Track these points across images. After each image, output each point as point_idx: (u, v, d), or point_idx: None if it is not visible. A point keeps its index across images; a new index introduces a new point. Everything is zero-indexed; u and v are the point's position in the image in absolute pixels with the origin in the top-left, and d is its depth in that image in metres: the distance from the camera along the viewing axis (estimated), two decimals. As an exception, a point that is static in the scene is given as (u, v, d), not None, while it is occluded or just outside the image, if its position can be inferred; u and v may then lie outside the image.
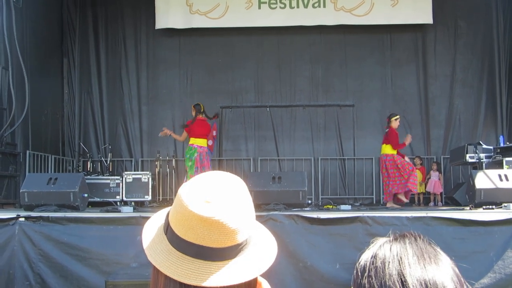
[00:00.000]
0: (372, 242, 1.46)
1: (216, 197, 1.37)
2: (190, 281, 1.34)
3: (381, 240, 1.45)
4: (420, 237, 1.42)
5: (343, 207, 9.30)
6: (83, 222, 7.41)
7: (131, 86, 14.62)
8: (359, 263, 1.42)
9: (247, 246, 1.41)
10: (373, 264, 1.37)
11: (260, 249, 1.46)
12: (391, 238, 1.44)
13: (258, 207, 8.29)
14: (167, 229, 1.42)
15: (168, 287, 1.39)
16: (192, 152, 10.76)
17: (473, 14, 14.46)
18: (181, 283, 1.36)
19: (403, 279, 1.29)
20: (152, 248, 1.43)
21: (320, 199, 13.34)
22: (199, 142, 10.81)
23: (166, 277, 1.38)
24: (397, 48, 14.60)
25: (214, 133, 13.39)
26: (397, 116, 11.47)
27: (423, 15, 13.97)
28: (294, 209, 8.21)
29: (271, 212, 7.45)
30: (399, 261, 1.33)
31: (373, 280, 1.33)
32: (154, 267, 1.41)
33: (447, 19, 14.44)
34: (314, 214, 7.40)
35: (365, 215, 7.34)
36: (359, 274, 1.39)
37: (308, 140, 14.38)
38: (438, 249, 1.41)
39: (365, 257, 1.41)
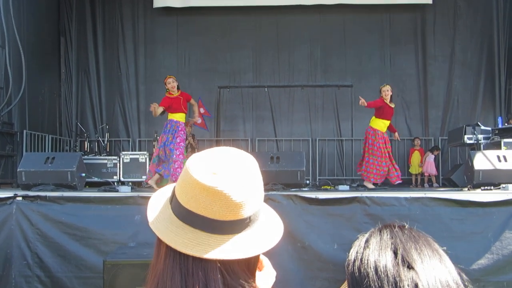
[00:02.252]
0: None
1: (224, 169, 1.36)
2: (187, 250, 1.33)
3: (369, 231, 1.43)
4: (405, 227, 1.41)
5: (341, 187, 9.30)
6: (81, 202, 7.41)
7: (129, 66, 14.58)
8: (349, 256, 1.40)
9: (252, 223, 1.39)
10: (363, 253, 1.35)
11: (265, 228, 1.43)
12: (380, 227, 1.42)
13: (256, 187, 8.25)
14: (172, 198, 1.42)
15: (168, 256, 1.37)
16: None
17: (474, -7, 14.38)
18: (181, 253, 1.34)
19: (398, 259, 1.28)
20: (155, 216, 1.42)
21: (317, 180, 13.35)
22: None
23: (167, 246, 1.36)
24: (396, 28, 14.55)
25: (203, 110, 13.35)
26: (384, 87, 10.66)
27: (423, -5, 13.90)
28: (293, 189, 8.21)
29: (270, 192, 7.46)
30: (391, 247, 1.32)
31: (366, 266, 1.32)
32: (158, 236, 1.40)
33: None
34: (313, 194, 7.40)
35: (363, 195, 7.35)
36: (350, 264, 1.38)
37: (306, 120, 14.38)
38: (430, 239, 1.39)
39: (354, 250, 1.40)
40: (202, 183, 1.33)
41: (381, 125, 10.61)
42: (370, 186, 10.53)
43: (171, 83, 9.94)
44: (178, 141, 9.71)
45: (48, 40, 13.84)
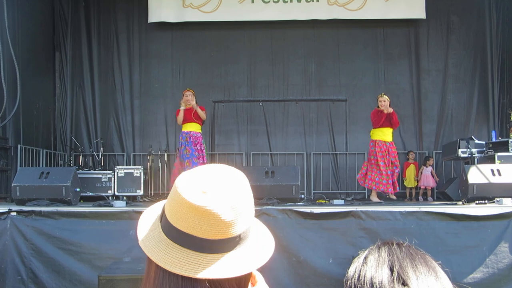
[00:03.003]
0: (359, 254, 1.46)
1: (213, 188, 1.35)
2: (176, 269, 1.32)
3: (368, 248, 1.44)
4: (404, 244, 1.42)
5: (336, 201, 9.31)
6: (76, 217, 7.40)
7: (124, 80, 14.56)
8: (348, 273, 1.41)
9: (242, 241, 1.39)
10: (361, 271, 1.36)
11: (256, 245, 1.43)
12: (379, 244, 1.43)
13: (251, 201, 8.26)
14: (162, 216, 1.41)
15: (157, 276, 1.37)
16: None
17: (466, 9, 14.47)
18: (170, 272, 1.34)
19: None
20: (145, 234, 1.42)
21: (312, 194, 13.33)
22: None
23: (157, 265, 1.36)
24: (390, 43, 14.60)
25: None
26: (381, 97, 10.93)
27: (416, 10, 13.97)
28: (287, 204, 8.22)
29: (264, 207, 7.46)
30: (389, 264, 1.33)
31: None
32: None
33: (440, 14, 14.45)
34: (308, 208, 7.41)
35: (358, 209, 7.36)
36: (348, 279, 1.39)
37: (301, 134, 14.37)
38: (428, 256, 1.41)
39: (353, 268, 1.41)
40: (191, 202, 1.33)
41: (379, 134, 10.83)
42: (375, 199, 10.69)
43: (188, 96, 10.60)
44: (196, 154, 10.34)
45: (43, 55, 13.85)
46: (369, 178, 10.87)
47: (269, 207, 7.53)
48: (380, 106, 10.82)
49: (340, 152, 14.31)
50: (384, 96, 10.89)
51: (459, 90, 14.41)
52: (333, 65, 14.59)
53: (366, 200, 12.04)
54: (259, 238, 1.47)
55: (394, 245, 1.40)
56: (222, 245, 1.35)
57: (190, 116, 10.54)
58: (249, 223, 1.41)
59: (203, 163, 10.25)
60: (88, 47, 14.63)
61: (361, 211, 7.32)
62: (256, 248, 1.43)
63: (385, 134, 10.82)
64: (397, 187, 11.06)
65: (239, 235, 1.37)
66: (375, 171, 10.79)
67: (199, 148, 10.54)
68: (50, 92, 14.22)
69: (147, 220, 1.47)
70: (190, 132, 10.55)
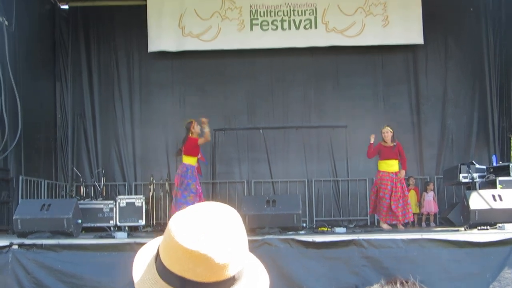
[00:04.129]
0: None
1: (206, 230, 1.35)
2: None
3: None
4: (408, 282, 1.43)
5: (338, 229, 9.27)
6: (77, 249, 7.40)
7: (124, 110, 14.60)
8: None
9: (237, 282, 1.39)
10: None
11: (251, 285, 1.43)
12: (382, 283, 1.44)
13: (252, 231, 8.28)
14: (157, 258, 1.42)
15: None
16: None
17: (463, 34, 14.56)
18: None
19: None
20: (140, 276, 1.43)
21: (314, 221, 13.33)
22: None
23: None
24: (389, 69, 14.66)
25: (199, 155, 13.45)
26: (384, 128, 11.39)
27: (414, 36, 14.03)
28: (289, 233, 8.22)
29: (266, 236, 7.46)
30: None
31: None
32: None
33: (437, 39, 14.54)
34: (309, 237, 7.41)
35: (360, 238, 7.35)
36: None
37: (302, 161, 14.36)
38: None
39: None
40: (184, 246, 1.33)
41: (384, 166, 11.17)
42: (385, 226, 10.83)
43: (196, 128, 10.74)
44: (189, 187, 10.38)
45: (43, 85, 13.92)
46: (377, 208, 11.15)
47: (271, 236, 7.52)
48: (383, 137, 11.05)
49: (341, 179, 14.30)
50: (387, 127, 11.13)
51: (458, 114, 14.45)
52: (332, 92, 14.65)
53: (368, 227, 12.05)
54: (254, 276, 1.46)
55: (398, 284, 1.41)
56: (217, 287, 1.35)
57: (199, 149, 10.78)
58: (243, 263, 1.41)
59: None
60: (89, 76, 14.70)
61: (363, 239, 7.31)
62: (251, 286, 1.43)
63: (390, 166, 11.10)
64: (403, 218, 11.11)
65: (234, 276, 1.37)
66: (382, 203, 11.06)
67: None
68: (51, 122, 14.27)
69: (142, 260, 1.48)
70: (194, 165, 10.65)
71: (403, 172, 11.18)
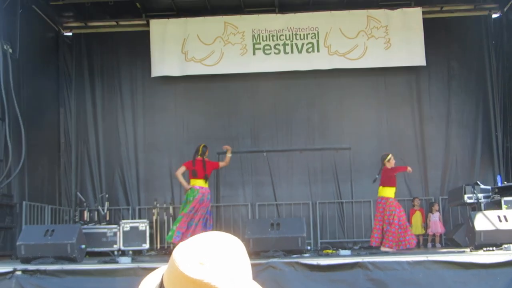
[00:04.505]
0: None
1: (210, 259, 1.35)
2: None
3: None
4: None
5: (342, 252, 9.25)
6: (81, 275, 7.37)
7: (128, 134, 14.62)
8: None
9: None
10: None
11: None
12: None
13: (257, 254, 8.26)
14: (161, 287, 1.42)
15: None
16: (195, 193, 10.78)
17: (466, 54, 14.62)
18: None
19: None
20: None
21: (319, 243, 13.26)
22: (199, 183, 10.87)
23: None
24: (392, 90, 14.67)
25: None
26: (389, 156, 11.58)
27: (416, 57, 14.06)
28: (294, 256, 8.19)
29: (271, 260, 7.42)
30: None
31: None
32: None
33: (440, 61, 14.57)
34: (314, 260, 7.37)
35: (365, 260, 7.31)
36: None
37: (306, 184, 14.34)
38: None
39: None
40: (189, 276, 1.33)
41: (387, 191, 11.55)
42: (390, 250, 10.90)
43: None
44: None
45: (47, 111, 13.98)
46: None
47: (275, 260, 7.49)
48: (391, 167, 11.62)
49: (346, 201, 14.25)
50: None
51: (462, 135, 14.44)
52: (336, 114, 14.66)
53: (373, 248, 11.98)
54: None
55: None
56: None
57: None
58: None
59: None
60: (92, 101, 14.75)
61: (368, 262, 7.28)
62: None
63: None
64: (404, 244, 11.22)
65: None
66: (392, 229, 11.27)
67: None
68: (55, 148, 14.31)
69: None
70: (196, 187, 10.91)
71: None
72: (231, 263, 1.37)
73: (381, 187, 11.45)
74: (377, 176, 11.65)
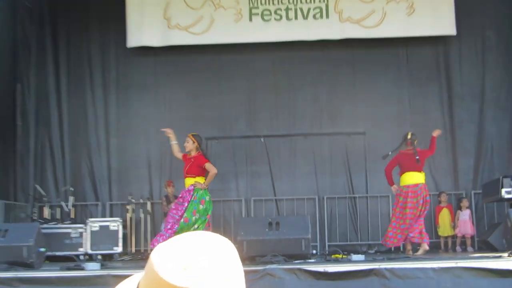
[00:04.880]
0: None
1: (196, 264, 1.33)
2: None
3: None
4: None
5: (354, 257, 9.24)
6: (40, 283, 7.37)
7: (98, 116, 14.61)
8: None
9: None
10: None
11: None
12: None
13: (252, 260, 8.29)
14: None
15: None
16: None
17: (505, 22, 14.56)
18: None
19: None
20: None
21: (327, 247, 13.31)
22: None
23: None
24: (416, 65, 14.66)
25: None
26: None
27: (445, 26, 14.02)
28: (296, 261, 8.24)
29: (268, 266, 7.44)
30: None
31: None
32: None
33: (473, 30, 14.54)
34: (321, 267, 7.39)
35: (381, 266, 7.32)
36: None
37: (311, 176, 14.35)
38: None
39: None
40: (171, 283, 1.31)
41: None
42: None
43: (185, 144, 10.57)
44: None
45: (1, 88, 13.85)
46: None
47: (274, 266, 7.50)
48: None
49: (359, 195, 14.27)
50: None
51: (499, 117, 14.43)
52: (348, 93, 14.65)
53: (392, 253, 11.96)
54: None
55: None
56: None
57: (185, 169, 10.52)
58: None
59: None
60: (56, 77, 14.68)
61: (385, 268, 7.27)
62: None
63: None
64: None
65: None
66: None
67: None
68: (10, 132, 14.19)
69: None
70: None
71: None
72: (220, 269, 1.35)
73: (422, 174, 11.51)
74: (389, 153, 11.62)
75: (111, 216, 13.69)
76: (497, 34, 14.56)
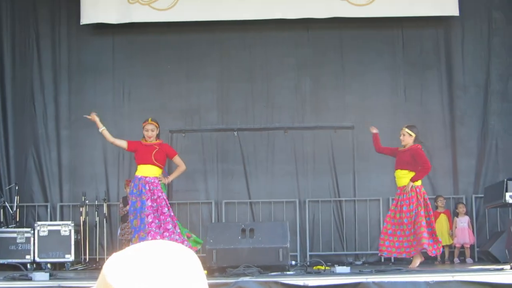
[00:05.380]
0: None
1: (152, 277, 1.36)
2: None
3: None
4: None
5: (339, 269, 9.32)
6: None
7: (47, 104, 14.53)
8: None
9: None
10: None
11: None
12: None
13: (222, 271, 8.31)
14: None
15: None
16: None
17: (514, 1, 14.63)
18: None
19: None
20: None
21: (308, 258, 13.34)
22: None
23: None
24: (412, 49, 14.75)
25: None
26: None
27: (447, 5, 14.09)
28: (272, 274, 8.25)
29: (241, 279, 7.46)
30: None
31: None
32: None
33: (478, 10, 14.61)
34: (300, 280, 7.42)
35: (369, 280, 7.39)
36: None
37: (292, 175, 14.39)
38: None
39: None
40: None
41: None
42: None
43: (149, 132, 10.72)
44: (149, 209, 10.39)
45: None
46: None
47: (247, 278, 7.53)
48: (401, 141, 11.46)
49: (345, 199, 14.34)
50: (405, 129, 11.34)
51: (506, 111, 14.52)
52: (335, 80, 14.71)
53: (382, 264, 12.08)
54: None
55: None
56: None
57: (150, 155, 10.65)
58: None
59: (164, 217, 10.37)
60: (-2, 60, 14.61)
61: (373, 282, 7.35)
62: None
63: (398, 178, 11.37)
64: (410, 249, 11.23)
65: None
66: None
67: (156, 197, 10.58)
68: None
69: None
70: (146, 177, 10.64)
71: (409, 185, 11.09)
72: (178, 282, 1.37)
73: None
74: None
75: (61, 220, 13.60)
76: (505, 16, 14.63)
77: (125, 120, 14.13)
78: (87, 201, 13.57)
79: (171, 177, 10.83)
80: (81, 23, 14.18)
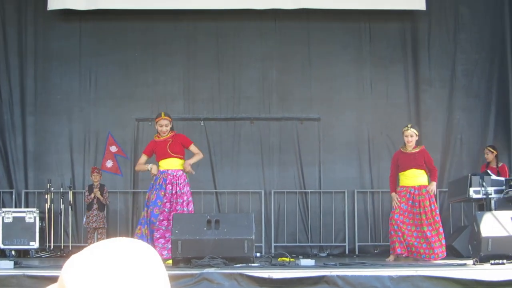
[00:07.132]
0: None
1: (113, 279, 1.35)
2: None
3: None
4: None
5: (303, 261, 9.33)
6: None
7: (13, 89, 14.43)
8: None
9: None
10: None
11: None
12: None
13: (187, 262, 8.29)
14: None
15: None
16: None
17: (480, -1, 14.73)
18: None
19: None
20: None
21: (273, 249, 13.39)
22: None
23: None
24: (379, 43, 14.82)
25: (115, 148, 13.40)
26: (406, 131, 11.13)
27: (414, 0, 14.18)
28: (237, 266, 8.24)
29: (206, 270, 7.45)
30: None
31: None
32: None
33: (445, 6, 14.69)
34: (265, 272, 7.41)
35: (333, 273, 7.38)
36: None
37: (257, 166, 14.45)
38: None
39: None
40: None
41: (402, 178, 11.17)
42: (391, 258, 11.24)
43: (163, 127, 10.71)
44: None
45: None
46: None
47: (212, 270, 7.53)
48: (405, 142, 11.06)
49: (311, 191, 14.40)
50: (410, 130, 11.02)
51: (471, 107, 14.64)
52: (301, 72, 14.76)
53: (347, 256, 12.13)
54: None
55: None
56: None
57: (165, 148, 10.59)
58: None
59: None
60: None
61: (337, 275, 7.35)
62: None
63: (408, 178, 11.03)
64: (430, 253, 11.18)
65: None
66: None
67: (179, 192, 10.53)
68: None
69: None
70: (168, 170, 10.54)
71: (433, 185, 10.99)
72: (140, 283, 1.37)
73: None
74: None
75: (26, 206, 13.57)
76: (471, 12, 14.75)
77: (91, 106, 14.09)
78: (52, 188, 13.54)
79: (189, 162, 10.75)
80: (48, 9, 14.01)
